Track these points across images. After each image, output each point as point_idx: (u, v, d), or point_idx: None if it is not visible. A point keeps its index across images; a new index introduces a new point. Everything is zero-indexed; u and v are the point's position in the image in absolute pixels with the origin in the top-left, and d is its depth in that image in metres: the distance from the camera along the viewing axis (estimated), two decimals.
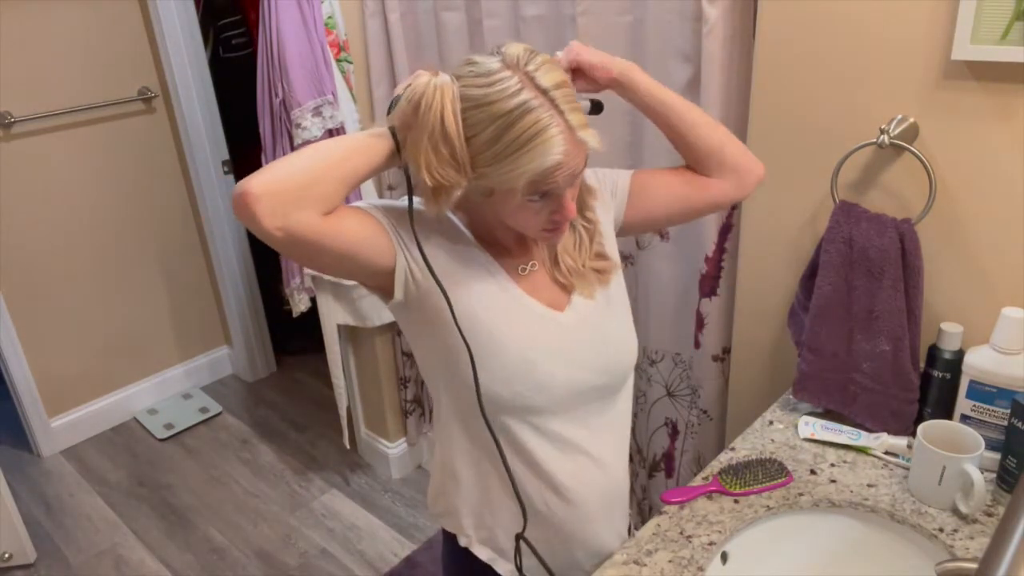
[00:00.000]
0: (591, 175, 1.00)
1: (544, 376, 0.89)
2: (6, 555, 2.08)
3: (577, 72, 0.91)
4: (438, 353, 0.91)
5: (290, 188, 0.75)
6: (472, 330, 0.87)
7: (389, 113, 0.83)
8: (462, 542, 1.01)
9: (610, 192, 1.00)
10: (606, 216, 0.99)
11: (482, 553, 1.00)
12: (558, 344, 0.91)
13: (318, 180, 0.77)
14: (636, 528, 1.15)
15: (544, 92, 0.76)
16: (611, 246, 0.99)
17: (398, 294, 0.88)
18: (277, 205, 0.74)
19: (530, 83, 0.76)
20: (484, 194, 0.83)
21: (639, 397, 1.76)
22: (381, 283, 0.88)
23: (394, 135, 0.82)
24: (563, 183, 0.80)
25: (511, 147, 0.75)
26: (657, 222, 1.04)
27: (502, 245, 0.93)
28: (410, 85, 0.78)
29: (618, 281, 0.99)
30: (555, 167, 0.77)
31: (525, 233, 0.88)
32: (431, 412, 2.35)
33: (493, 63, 0.78)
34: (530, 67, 0.77)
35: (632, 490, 1.90)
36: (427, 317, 0.89)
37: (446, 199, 0.80)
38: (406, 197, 0.85)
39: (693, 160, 0.99)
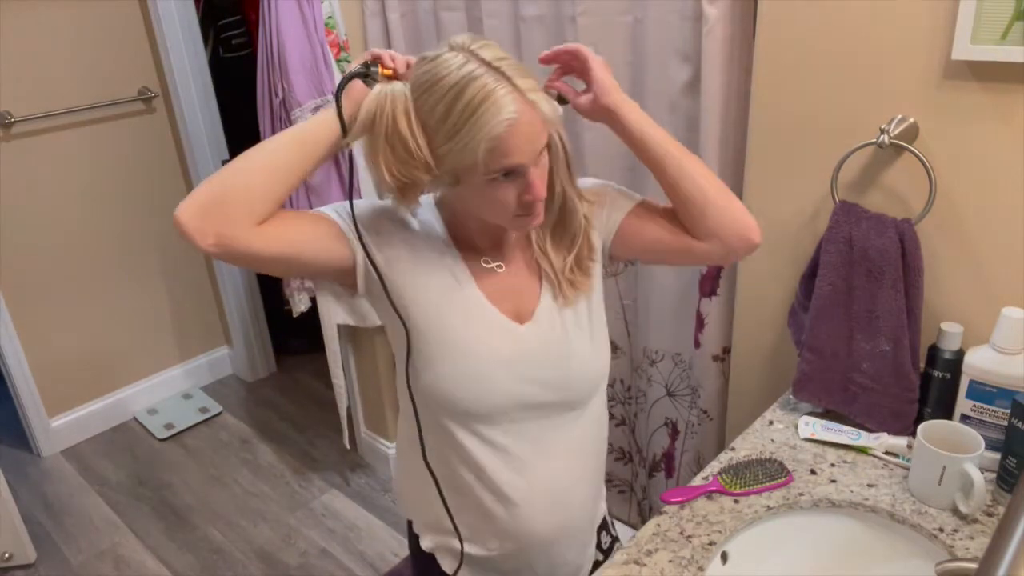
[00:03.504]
0: (594, 186, 0.99)
1: (488, 384, 0.89)
2: (6, 555, 2.08)
3: (567, 70, 0.91)
4: (395, 344, 0.95)
5: (210, 207, 0.78)
6: (425, 327, 0.88)
7: (339, 90, 0.83)
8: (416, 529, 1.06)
9: (606, 215, 0.97)
10: (595, 236, 0.97)
11: (426, 543, 1.04)
12: (509, 355, 0.90)
13: (239, 193, 0.79)
14: (613, 528, 1.15)
15: (487, 63, 0.77)
16: (596, 265, 0.97)
17: (360, 287, 0.91)
18: (202, 225, 0.77)
19: (474, 57, 0.77)
20: (450, 183, 0.83)
21: (639, 397, 1.76)
22: (346, 280, 0.91)
23: (339, 111, 0.82)
24: (525, 157, 0.78)
25: (462, 116, 0.75)
26: (643, 261, 1.02)
27: (477, 247, 0.93)
28: (365, 67, 0.83)
29: (597, 299, 0.97)
30: (509, 128, 0.75)
31: (501, 223, 0.87)
32: None
33: (439, 50, 0.80)
34: (473, 46, 0.78)
35: (632, 490, 1.90)
36: (386, 307, 0.91)
37: (411, 195, 0.84)
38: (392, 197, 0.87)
39: (679, 213, 0.93)
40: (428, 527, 1.03)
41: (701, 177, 0.90)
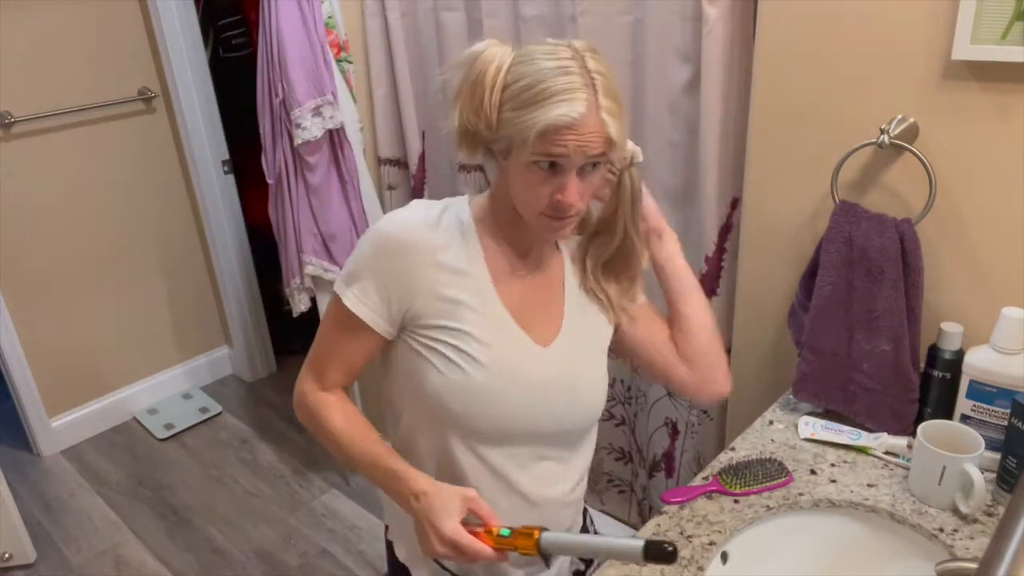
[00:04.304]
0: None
1: (499, 406, 0.89)
2: (6, 555, 2.08)
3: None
4: (408, 359, 0.92)
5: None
6: (448, 340, 0.88)
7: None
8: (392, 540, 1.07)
9: None
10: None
11: (401, 553, 1.05)
12: (524, 377, 0.90)
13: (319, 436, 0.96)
14: (592, 521, 1.15)
15: (588, 71, 0.80)
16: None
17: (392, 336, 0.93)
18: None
19: (580, 60, 0.81)
20: (502, 152, 0.86)
21: (639, 397, 1.76)
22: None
23: None
24: (572, 154, 0.80)
25: (539, 95, 0.79)
26: (615, 355, 1.04)
27: (508, 247, 0.92)
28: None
29: (608, 332, 0.99)
30: (568, 125, 0.79)
31: (529, 217, 0.87)
32: None
33: (559, 41, 0.84)
34: (585, 52, 0.82)
35: (632, 490, 1.90)
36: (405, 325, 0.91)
37: (470, 145, 0.87)
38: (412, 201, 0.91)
39: (676, 341, 0.99)
40: (402, 535, 1.03)
41: (710, 328, 1.00)
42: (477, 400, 0.88)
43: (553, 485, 0.96)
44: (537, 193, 0.83)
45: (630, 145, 0.90)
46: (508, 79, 0.82)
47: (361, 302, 0.88)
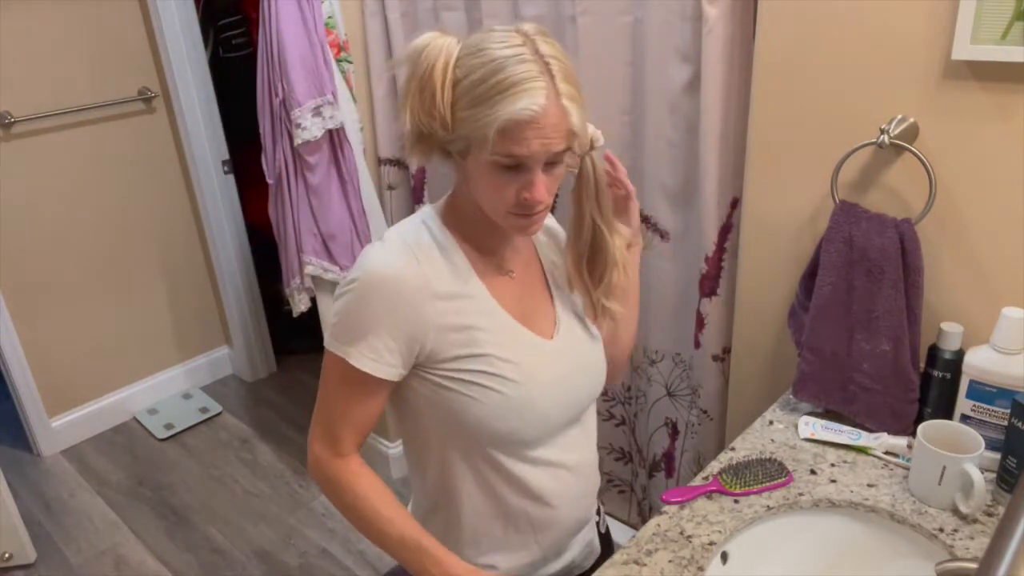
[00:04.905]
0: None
1: (541, 410, 0.90)
2: (6, 555, 2.08)
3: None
4: (433, 395, 0.89)
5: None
6: (465, 366, 0.87)
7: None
8: None
9: None
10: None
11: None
12: (549, 375, 0.90)
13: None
14: (602, 510, 1.15)
15: (540, 55, 0.77)
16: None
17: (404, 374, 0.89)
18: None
19: (531, 45, 0.77)
20: (460, 152, 0.82)
21: (639, 397, 1.76)
22: None
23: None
24: (536, 152, 0.77)
25: (494, 89, 0.76)
26: None
27: (486, 247, 0.91)
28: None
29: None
30: (530, 120, 0.75)
31: (496, 217, 0.85)
32: None
33: (506, 26, 0.81)
34: (535, 36, 0.79)
35: (632, 490, 1.90)
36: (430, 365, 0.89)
37: (424, 149, 0.84)
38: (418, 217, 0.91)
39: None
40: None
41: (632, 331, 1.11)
42: (519, 414, 0.88)
43: (586, 449, 1.00)
44: (502, 193, 0.81)
45: (590, 129, 0.86)
46: (458, 74, 0.78)
47: (372, 360, 0.84)
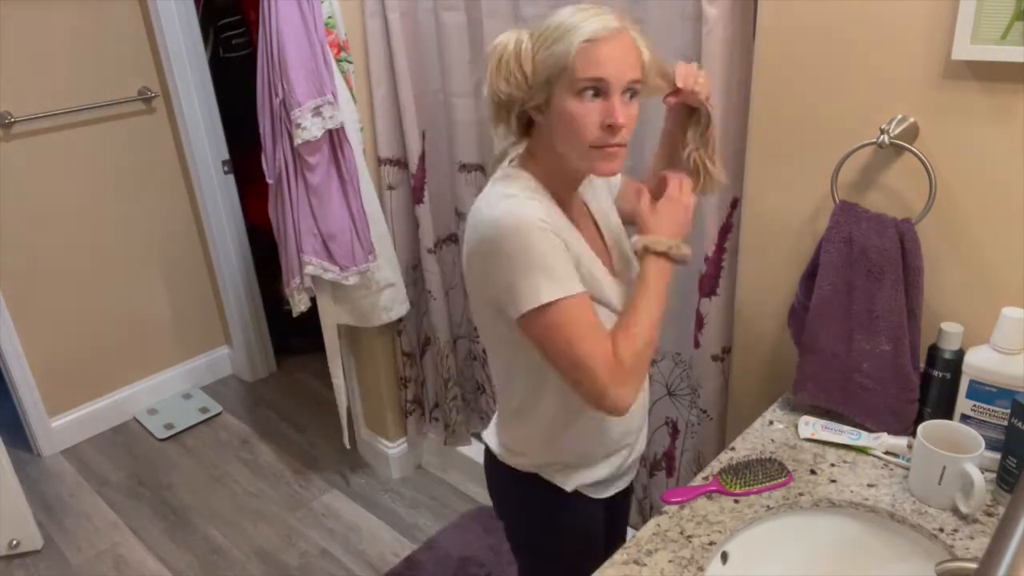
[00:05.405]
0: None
1: None
2: (13, 542, 2.08)
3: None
4: None
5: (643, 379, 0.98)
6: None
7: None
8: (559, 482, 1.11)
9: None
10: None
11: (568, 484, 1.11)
12: (619, 309, 1.02)
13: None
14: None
15: (619, 18, 0.88)
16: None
17: None
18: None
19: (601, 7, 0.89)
20: (539, 108, 0.90)
21: None
22: None
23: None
24: (612, 74, 0.85)
25: (569, 21, 0.86)
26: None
27: (567, 201, 1.00)
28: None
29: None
30: (605, 39, 0.84)
31: (578, 155, 0.91)
32: (431, 411, 2.35)
33: None
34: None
35: (632, 489, 1.90)
36: None
37: (504, 115, 0.94)
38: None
39: None
40: (531, 447, 1.11)
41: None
42: None
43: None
44: (585, 124, 0.87)
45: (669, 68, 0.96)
46: (533, 37, 0.88)
47: (566, 285, 0.90)
